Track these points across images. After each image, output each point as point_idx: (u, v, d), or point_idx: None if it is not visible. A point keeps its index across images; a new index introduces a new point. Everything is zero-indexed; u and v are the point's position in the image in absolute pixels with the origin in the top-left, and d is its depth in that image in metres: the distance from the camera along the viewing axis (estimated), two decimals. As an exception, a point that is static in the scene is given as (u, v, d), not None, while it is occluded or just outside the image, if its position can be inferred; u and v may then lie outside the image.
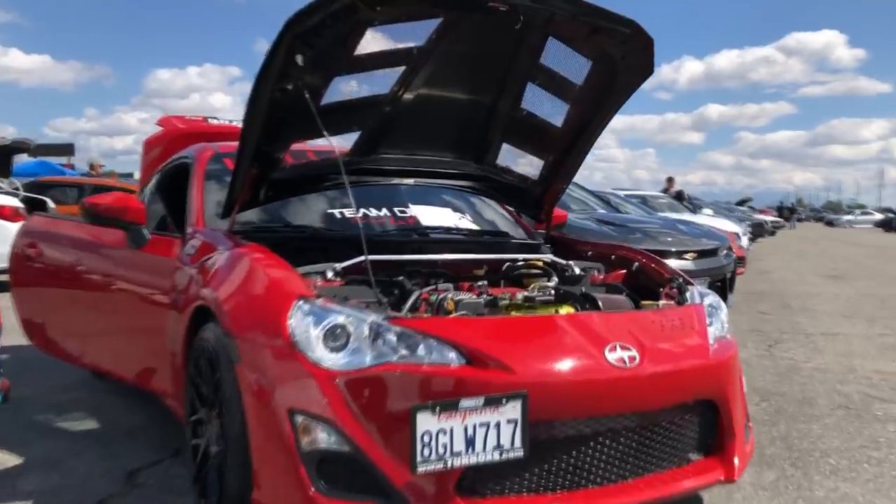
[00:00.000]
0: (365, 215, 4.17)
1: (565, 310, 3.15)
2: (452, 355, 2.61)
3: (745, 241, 15.13)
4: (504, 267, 3.91)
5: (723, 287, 7.98)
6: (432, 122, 3.79)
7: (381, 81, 3.51)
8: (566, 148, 4.05)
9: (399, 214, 4.28)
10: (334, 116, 3.47)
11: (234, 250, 3.23)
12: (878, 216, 65.68)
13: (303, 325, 2.68)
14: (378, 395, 2.57)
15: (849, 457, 4.22)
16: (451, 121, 3.85)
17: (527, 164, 4.21)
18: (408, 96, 3.57)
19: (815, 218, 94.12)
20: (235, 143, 3.39)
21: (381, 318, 2.70)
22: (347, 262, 3.38)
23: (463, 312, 2.99)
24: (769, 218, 38.34)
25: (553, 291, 3.42)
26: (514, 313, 3.13)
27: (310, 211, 4.12)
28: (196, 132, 5.40)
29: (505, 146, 4.08)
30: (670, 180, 17.93)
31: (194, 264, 3.48)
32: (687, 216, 14.17)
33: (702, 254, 7.79)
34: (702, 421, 3.03)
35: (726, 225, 14.12)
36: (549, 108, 3.89)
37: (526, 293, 3.44)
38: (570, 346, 2.74)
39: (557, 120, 3.93)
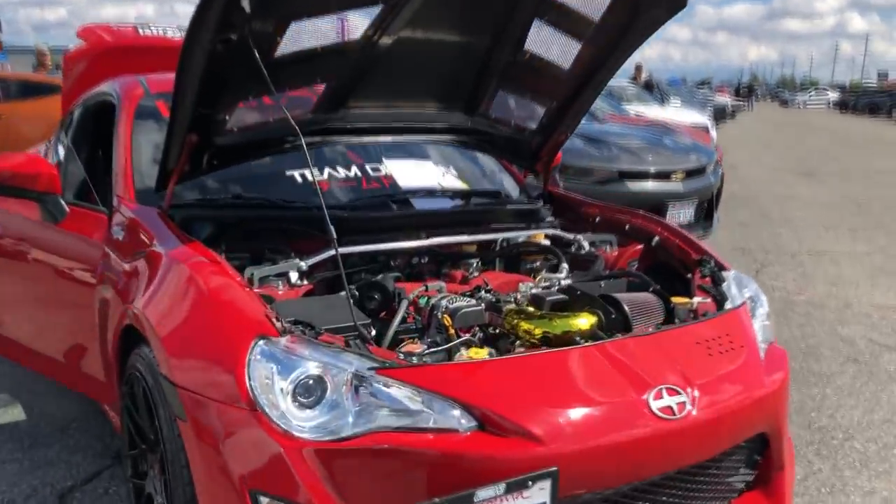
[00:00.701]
0: (331, 177, 3.47)
1: (585, 320, 2.56)
2: (457, 414, 2.03)
3: (714, 133, 14.59)
4: (500, 243, 3.28)
5: (709, 206, 7.46)
6: (414, 70, 3.05)
7: (351, 25, 2.75)
8: (572, 92, 3.36)
9: (372, 174, 3.58)
10: (292, 69, 2.72)
11: (172, 254, 2.54)
12: (833, 95, 65.51)
13: (265, 377, 2.06)
14: (365, 475, 2.00)
15: (875, 438, 3.83)
16: (438, 67, 3.12)
17: (524, 112, 3.51)
18: (385, 41, 2.82)
19: (771, 96, 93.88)
20: (171, 77, 2.62)
21: (367, 366, 2.08)
22: (314, 258, 2.73)
23: (465, 349, 2.38)
24: (730, 101, 37.75)
25: (564, 288, 2.83)
26: (522, 325, 2.54)
27: (265, 175, 3.41)
28: (125, 47, 4.50)
29: (500, 93, 3.36)
30: (638, 69, 17.14)
31: (125, 260, 2.79)
32: (656, 108, 13.55)
33: (690, 173, 7.21)
34: (749, 454, 2.53)
35: (695, 118, 13.54)
36: (556, 49, 3.17)
37: (533, 290, 2.84)
38: (605, 395, 2.17)
39: (565, 61, 3.22)
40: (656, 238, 3.30)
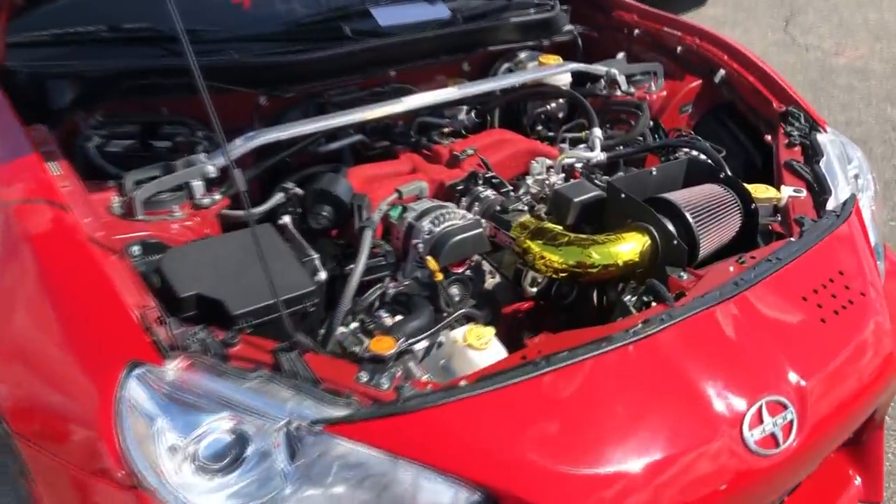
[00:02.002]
0: None
1: (631, 246, 1.73)
2: (451, 496, 1.29)
3: None
4: (497, 85, 2.30)
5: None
6: None
7: None
8: None
9: None
10: None
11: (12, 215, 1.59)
12: None
13: (144, 432, 1.28)
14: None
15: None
16: None
17: None
18: None
19: None
20: None
21: (310, 416, 1.29)
22: (234, 146, 1.80)
23: (460, 336, 1.55)
24: None
25: (597, 175, 1.97)
26: (538, 252, 1.71)
27: None
28: None
29: None
30: None
31: None
32: None
33: None
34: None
35: None
36: None
37: (552, 176, 1.98)
38: (677, 434, 1.40)
39: None
40: (721, 72, 2.34)
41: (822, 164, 2.01)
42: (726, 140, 2.30)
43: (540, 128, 2.44)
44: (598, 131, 2.12)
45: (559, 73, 2.31)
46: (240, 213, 1.86)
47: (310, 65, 2.16)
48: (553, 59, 2.43)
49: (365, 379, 1.36)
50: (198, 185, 1.75)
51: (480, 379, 1.37)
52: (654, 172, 1.94)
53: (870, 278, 1.76)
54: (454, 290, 1.80)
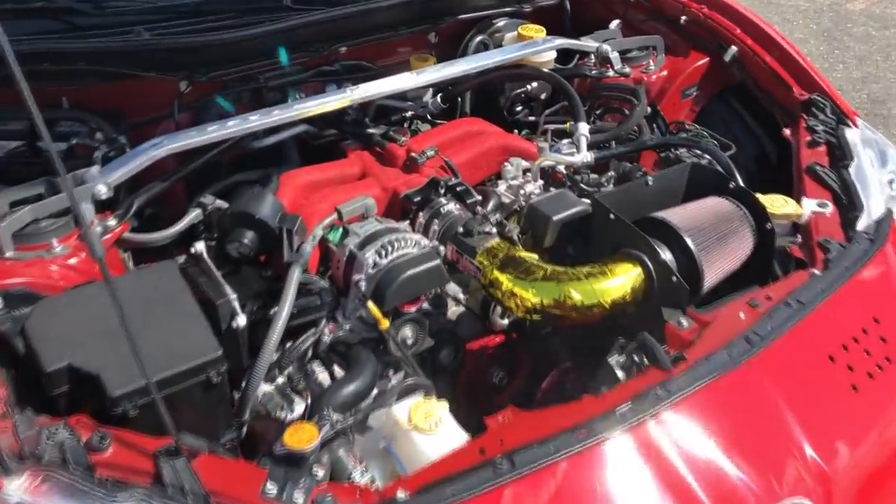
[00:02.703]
0: None
1: (626, 274, 1.41)
2: None
3: None
4: (467, 68, 1.93)
5: None
6: None
7: None
8: None
9: None
10: None
11: None
12: None
13: None
14: None
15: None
16: None
17: None
18: None
19: None
20: None
21: None
22: (110, 178, 1.44)
23: (403, 414, 1.24)
24: None
25: (578, 182, 1.65)
26: (509, 287, 1.39)
27: None
28: None
29: None
30: None
31: None
32: None
33: None
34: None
35: None
36: None
37: (528, 184, 1.66)
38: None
39: None
40: (732, 49, 1.98)
41: (851, 169, 1.68)
42: (735, 130, 1.97)
43: (520, 109, 2.10)
44: (584, 127, 1.77)
45: (542, 50, 1.95)
46: (147, 237, 1.53)
47: (240, 44, 1.80)
48: (535, 31, 2.06)
49: (272, 493, 1.05)
50: (87, 209, 1.41)
51: (424, 489, 1.07)
52: (650, 183, 1.61)
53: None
54: (406, 333, 1.49)
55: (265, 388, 1.39)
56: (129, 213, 1.48)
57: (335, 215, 1.52)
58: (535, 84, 2.05)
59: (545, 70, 1.92)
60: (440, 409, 1.25)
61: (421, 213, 1.62)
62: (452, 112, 2.04)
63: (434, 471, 1.11)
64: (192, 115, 1.82)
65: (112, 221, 1.45)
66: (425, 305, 1.53)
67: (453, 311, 1.63)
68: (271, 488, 1.06)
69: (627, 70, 1.99)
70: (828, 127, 1.76)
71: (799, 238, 1.59)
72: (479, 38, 2.09)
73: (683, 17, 2.07)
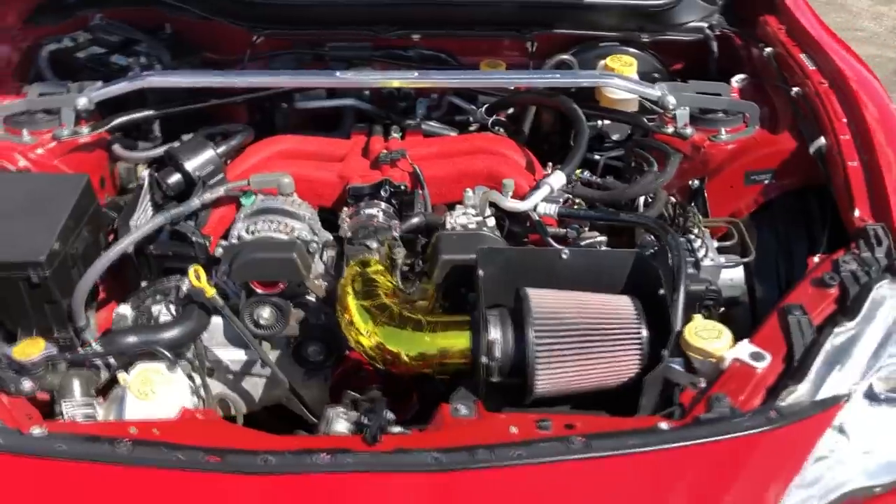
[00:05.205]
0: None
1: (461, 340, 1.26)
2: None
3: None
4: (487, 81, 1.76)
5: None
6: None
7: None
8: None
9: None
10: None
11: None
12: None
13: None
14: None
15: None
16: None
17: None
18: None
19: None
20: None
21: None
22: (94, 94, 1.65)
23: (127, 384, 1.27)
24: None
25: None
26: (354, 319, 1.33)
27: None
28: None
29: None
30: None
31: None
32: None
33: None
34: None
35: None
36: None
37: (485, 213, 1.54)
38: None
39: None
40: (820, 141, 1.54)
41: (839, 331, 1.24)
42: (794, 237, 1.56)
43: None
44: (557, 177, 1.54)
45: (584, 84, 1.73)
46: (127, 153, 1.75)
47: (312, 8, 1.90)
48: (624, 63, 1.81)
49: None
50: (67, 115, 1.66)
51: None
52: (566, 256, 1.38)
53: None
54: (262, 313, 1.50)
55: (124, 309, 1.52)
56: (102, 128, 1.68)
57: (245, 182, 1.57)
58: (607, 122, 1.82)
59: (570, 102, 1.69)
60: (162, 383, 1.28)
61: (345, 210, 1.60)
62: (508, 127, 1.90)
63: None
64: (260, 63, 1.97)
65: (84, 129, 1.68)
66: (311, 298, 1.52)
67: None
68: None
69: (689, 131, 1.66)
70: (864, 269, 1.31)
71: (702, 383, 1.24)
72: (562, 56, 1.91)
73: (796, 89, 1.65)
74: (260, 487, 1.08)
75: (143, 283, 1.54)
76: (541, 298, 1.30)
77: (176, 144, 1.64)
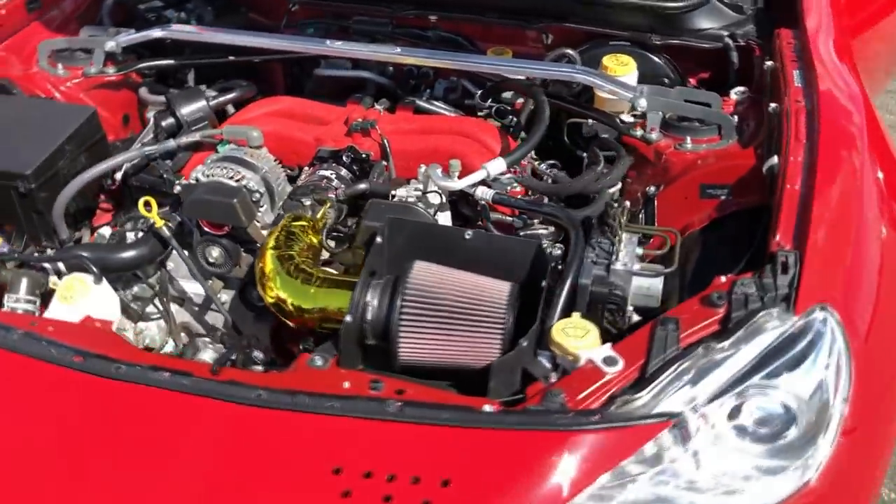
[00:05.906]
0: None
1: (342, 298, 1.34)
2: None
3: None
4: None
5: None
6: None
7: None
8: None
9: None
10: None
11: None
12: None
13: None
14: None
15: None
16: None
17: None
18: None
19: None
20: None
21: None
22: (123, 39, 1.88)
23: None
24: None
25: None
26: (270, 268, 1.45)
27: None
28: None
29: None
30: None
31: None
32: None
33: None
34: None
35: None
36: None
37: (443, 180, 1.59)
38: None
39: None
40: (773, 160, 1.46)
41: (711, 350, 1.20)
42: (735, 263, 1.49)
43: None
44: (496, 164, 1.56)
45: (578, 79, 1.73)
46: (151, 97, 1.95)
47: None
48: (620, 64, 1.78)
49: None
50: (98, 55, 1.88)
51: None
52: (469, 237, 1.42)
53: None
54: (212, 253, 1.64)
55: (105, 230, 1.73)
56: (126, 70, 1.89)
57: (218, 132, 1.71)
58: (590, 122, 1.80)
59: (541, 94, 1.69)
60: (83, 292, 1.45)
61: (304, 171, 1.70)
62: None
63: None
64: (293, 30, 2.12)
65: (111, 70, 1.89)
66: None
67: None
68: None
69: (654, 136, 1.63)
70: (759, 294, 1.25)
71: (553, 378, 1.25)
72: (564, 50, 1.90)
73: (773, 105, 1.56)
74: (106, 390, 1.21)
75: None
76: (423, 272, 1.35)
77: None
